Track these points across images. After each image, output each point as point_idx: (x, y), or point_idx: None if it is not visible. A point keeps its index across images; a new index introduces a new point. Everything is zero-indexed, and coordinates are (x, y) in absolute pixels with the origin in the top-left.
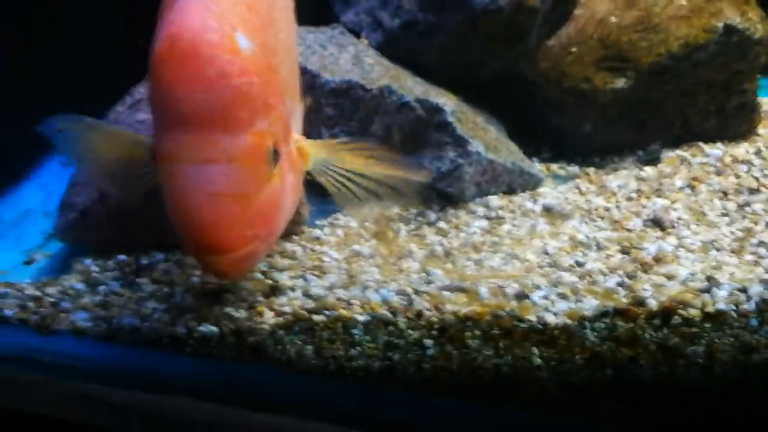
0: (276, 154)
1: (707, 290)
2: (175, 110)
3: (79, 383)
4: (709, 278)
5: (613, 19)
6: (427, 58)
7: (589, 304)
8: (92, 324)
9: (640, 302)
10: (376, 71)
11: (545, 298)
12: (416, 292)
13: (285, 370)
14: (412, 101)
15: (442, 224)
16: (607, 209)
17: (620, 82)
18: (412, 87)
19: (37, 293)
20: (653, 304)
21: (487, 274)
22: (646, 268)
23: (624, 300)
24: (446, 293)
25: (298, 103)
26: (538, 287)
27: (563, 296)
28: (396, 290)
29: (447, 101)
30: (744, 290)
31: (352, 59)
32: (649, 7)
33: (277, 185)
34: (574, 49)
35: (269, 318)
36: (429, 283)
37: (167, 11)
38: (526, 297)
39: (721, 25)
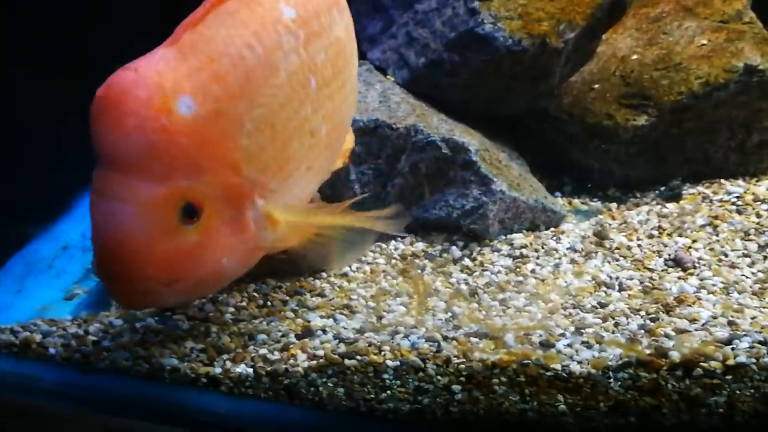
0: (193, 212)
1: (729, 342)
2: (99, 148)
3: (119, 418)
4: (731, 323)
5: (634, 57)
6: (452, 95)
7: (613, 354)
8: (132, 363)
9: (663, 354)
10: (402, 109)
11: (570, 346)
12: (445, 338)
13: (317, 410)
14: (437, 140)
15: (466, 261)
16: (629, 248)
17: (642, 120)
18: (438, 125)
19: (80, 331)
20: (676, 356)
21: (514, 325)
22: (668, 309)
23: (647, 351)
24: (474, 339)
25: (299, 173)
26: (563, 335)
27: (587, 345)
28: (425, 336)
29: (471, 140)
30: (765, 342)
31: (379, 97)
32: (671, 45)
33: (191, 240)
34: (596, 86)
35: (302, 360)
36: (456, 327)
37: None
38: (552, 346)
39: (741, 65)
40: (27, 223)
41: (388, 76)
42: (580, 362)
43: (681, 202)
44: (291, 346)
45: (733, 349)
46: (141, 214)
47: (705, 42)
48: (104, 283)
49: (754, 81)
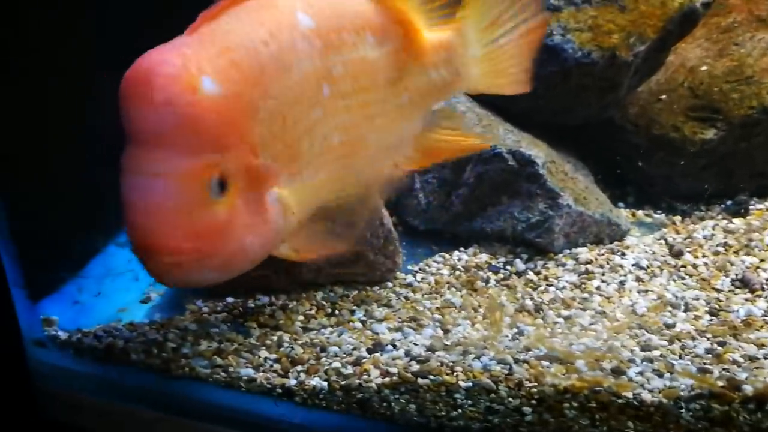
0: (223, 186)
1: None
2: (129, 126)
3: (197, 423)
4: None
5: (704, 68)
6: (518, 103)
7: (685, 384)
8: (211, 371)
9: (736, 387)
10: (468, 119)
11: (641, 374)
12: (516, 361)
13: (387, 424)
14: (504, 152)
15: (531, 275)
16: (695, 266)
17: (710, 133)
18: (504, 136)
19: (159, 337)
20: (749, 390)
21: (582, 347)
22: (735, 333)
23: (719, 383)
24: (545, 363)
25: (307, 174)
26: (632, 361)
27: (658, 373)
28: (497, 358)
29: (539, 152)
30: None
31: (445, 106)
32: (742, 57)
33: (222, 213)
34: (663, 97)
35: (375, 376)
36: (527, 349)
37: None
38: (623, 373)
39: None
40: (109, 228)
41: None
42: (651, 391)
43: (748, 217)
44: (363, 360)
45: None
46: (175, 186)
47: None
48: (140, 259)
49: None
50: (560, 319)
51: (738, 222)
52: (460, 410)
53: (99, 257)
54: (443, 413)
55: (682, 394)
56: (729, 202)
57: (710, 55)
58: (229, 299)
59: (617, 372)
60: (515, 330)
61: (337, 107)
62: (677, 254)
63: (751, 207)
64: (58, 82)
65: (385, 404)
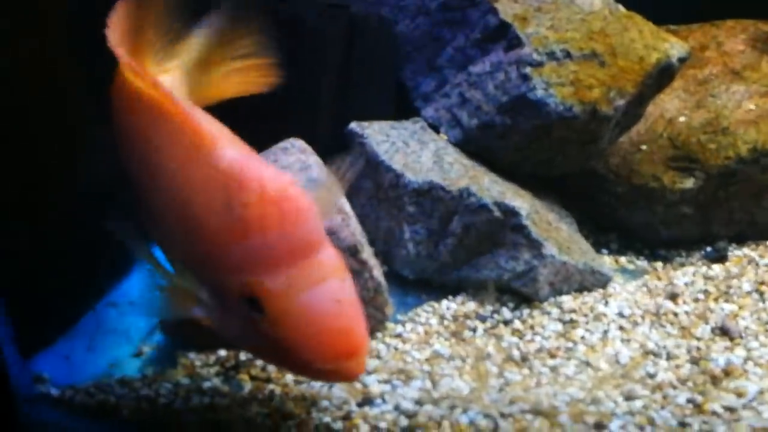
0: None
1: None
2: (278, 250)
3: None
4: None
5: (682, 119)
6: (503, 156)
7: None
8: (202, 427)
9: None
10: (455, 171)
11: (623, 428)
12: (502, 414)
13: None
14: (489, 204)
15: (517, 324)
16: (675, 314)
17: (689, 183)
18: (489, 187)
19: (151, 393)
20: None
21: (567, 400)
22: (715, 381)
23: None
24: (529, 417)
25: None
26: (615, 414)
27: (640, 427)
28: (483, 413)
29: (522, 203)
30: None
31: (433, 157)
32: (718, 109)
33: None
34: (644, 147)
35: (365, 431)
36: (512, 402)
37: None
38: (605, 428)
39: None
40: (100, 286)
41: (441, 134)
42: None
43: (726, 264)
44: (353, 414)
45: None
46: (343, 278)
47: (752, 107)
48: (340, 369)
49: None
50: (546, 369)
51: (717, 268)
52: None
53: (90, 314)
54: None
55: None
56: (708, 249)
57: (688, 106)
58: (222, 352)
59: (599, 426)
60: (502, 380)
61: None
62: (672, 297)
63: (729, 253)
64: (48, 137)
65: None
